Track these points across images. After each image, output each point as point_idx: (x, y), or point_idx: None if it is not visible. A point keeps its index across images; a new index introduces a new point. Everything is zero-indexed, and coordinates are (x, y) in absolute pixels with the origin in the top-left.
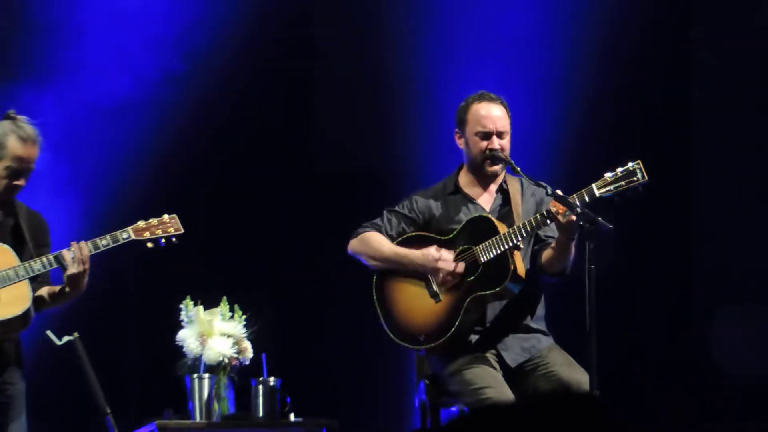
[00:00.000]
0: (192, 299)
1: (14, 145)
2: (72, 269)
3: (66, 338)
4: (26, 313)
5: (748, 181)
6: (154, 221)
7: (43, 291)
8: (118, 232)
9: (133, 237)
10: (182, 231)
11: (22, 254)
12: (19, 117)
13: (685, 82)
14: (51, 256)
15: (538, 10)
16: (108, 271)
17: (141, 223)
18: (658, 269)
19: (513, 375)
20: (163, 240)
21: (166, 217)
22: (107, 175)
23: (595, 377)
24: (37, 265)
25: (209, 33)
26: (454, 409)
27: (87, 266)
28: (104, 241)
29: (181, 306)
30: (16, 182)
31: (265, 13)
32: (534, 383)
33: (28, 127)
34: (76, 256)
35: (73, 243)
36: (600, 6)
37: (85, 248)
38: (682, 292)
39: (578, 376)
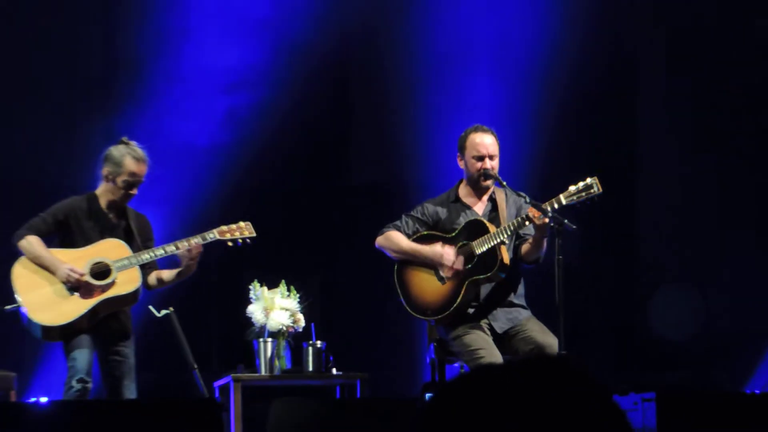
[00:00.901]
0: (258, 281)
1: (129, 164)
2: (187, 263)
3: (164, 311)
4: (137, 291)
5: (680, 190)
6: (233, 226)
7: (153, 277)
8: (206, 233)
9: (218, 237)
10: (255, 235)
11: (132, 248)
12: (131, 142)
13: (631, 112)
14: (159, 250)
15: (506, 76)
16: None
17: (224, 227)
18: (611, 259)
19: (500, 339)
20: (240, 241)
21: (242, 223)
22: (193, 189)
23: (562, 341)
24: (145, 256)
25: (270, 76)
26: (456, 365)
27: (197, 259)
28: (195, 240)
29: (251, 287)
30: (130, 192)
31: (314, 67)
32: (515, 345)
33: (139, 150)
34: (193, 252)
35: (188, 242)
36: (561, 57)
37: (200, 246)
38: (628, 276)
39: (550, 340)
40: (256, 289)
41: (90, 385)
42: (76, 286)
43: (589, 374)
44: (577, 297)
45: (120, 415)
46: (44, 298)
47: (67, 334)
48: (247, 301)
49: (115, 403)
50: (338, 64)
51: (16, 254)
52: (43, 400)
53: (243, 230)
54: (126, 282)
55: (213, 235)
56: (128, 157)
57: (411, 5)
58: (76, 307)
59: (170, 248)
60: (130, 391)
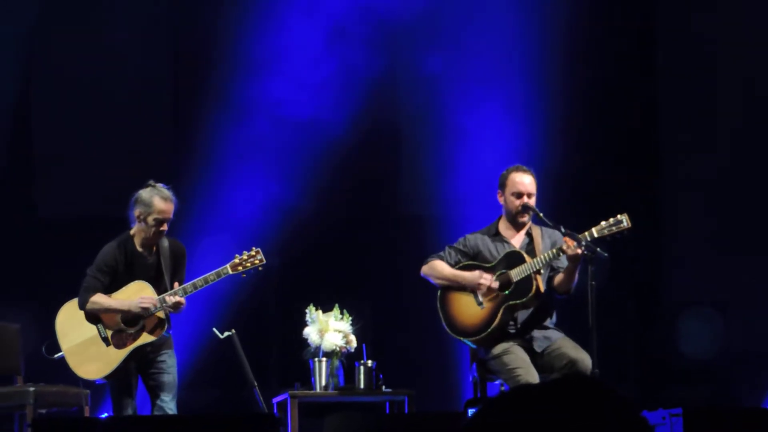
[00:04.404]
0: (314, 306)
1: (158, 203)
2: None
3: (226, 333)
4: (164, 335)
5: (705, 218)
6: (245, 256)
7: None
8: (221, 269)
9: (230, 272)
10: (265, 261)
11: (160, 284)
12: (157, 184)
13: (653, 160)
14: (180, 292)
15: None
16: (254, 287)
17: (236, 260)
18: (638, 283)
19: (538, 358)
20: (253, 271)
21: (253, 250)
22: (249, 215)
23: (595, 358)
24: (169, 299)
25: (328, 115)
26: (496, 383)
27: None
28: (212, 277)
29: (306, 310)
30: (161, 229)
31: (369, 109)
32: (551, 361)
33: (165, 191)
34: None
35: (204, 280)
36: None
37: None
38: (654, 299)
39: (583, 356)
40: (312, 313)
41: None
42: (113, 332)
43: (618, 392)
44: (608, 318)
45: (185, 429)
46: (82, 352)
47: (108, 377)
48: (304, 324)
49: (181, 418)
50: (391, 110)
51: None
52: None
53: (254, 259)
54: (153, 328)
55: (227, 270)
56: (156, 197)
57: (452, 60)
58: (112, 358)
59: (189, 288)
60: (166, 404)
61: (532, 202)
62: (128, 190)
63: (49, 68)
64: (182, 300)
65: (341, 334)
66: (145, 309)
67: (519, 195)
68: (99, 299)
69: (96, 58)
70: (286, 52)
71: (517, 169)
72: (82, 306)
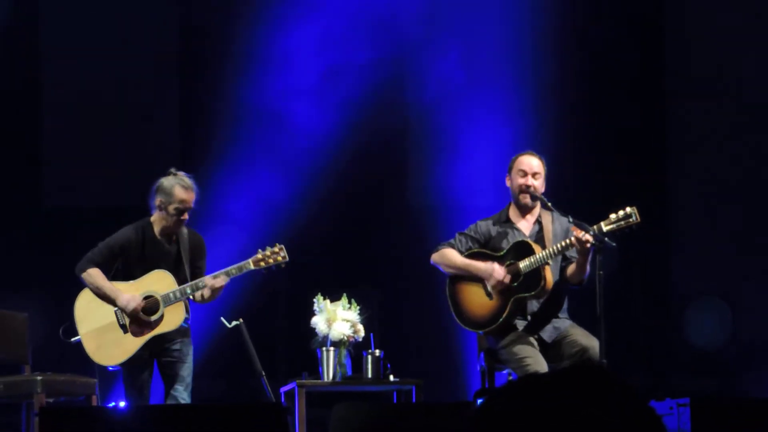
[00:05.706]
0: (322, 295)
1: (179, 192)
2: (208, 297)
3: (234, 322)
4: (182, 325)
5: (714, 209)
6: (268, 252)
7: (197, 295)
8: (243, 264)
9: (252, 267)
10: (288, 259)
11: (179, 273)
12: (179, 173)
13: (661, 153)
14: (200, 282)
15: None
16: (262, 276)
17: (259, 255)
18: (646, 273)
19: (548, 347)
20: (275, 267)
21: (276, 247)
22: (260, 207)
23: (603, 346)
24: (188, 290)
25: (335, 106)
26: (504, 373)
27: (218, 293)
28: (234, 271)
29: (315, 300)
30: (181, 218)
31: (377, 100)
32: (562, 350)
33: (187, 179)
34: (214, 286)
35: (227, 272)
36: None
37: (220, 281)
38: (662, 289)
39: (593, 343)
40: (320, 302)
41: None
42: (132, 319)
43: (626, 382)
44: (616, 307)
45: (193, 418)
46: (100, 337)
47: (123, 364)
48: (312, 313)
49: (188, 407)
50: (398, 102)
51: None
52: (122, 404)
53: (277, 255)
54: (172, 318)
55: (249, 265)
56: (177, 186)
57: (469, 50)
58: (129, 346)
59: (209, 280)
60: (179, 393)
61: (539, 183)
62: (134, 181)
63: (55, 61)
64: (209, 291)
65: (349, 324)
66: (130, 313)
67: (524, 174)
68: (95, 273)
69: (103, 52)
70: (293, 53)
71: (525, 153)
72: (78, 271)
